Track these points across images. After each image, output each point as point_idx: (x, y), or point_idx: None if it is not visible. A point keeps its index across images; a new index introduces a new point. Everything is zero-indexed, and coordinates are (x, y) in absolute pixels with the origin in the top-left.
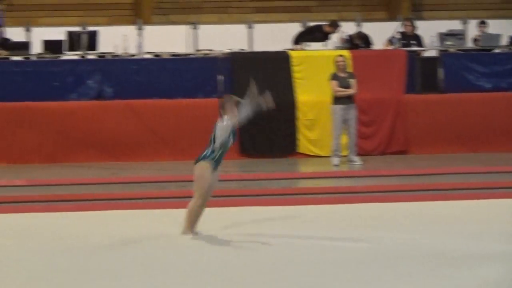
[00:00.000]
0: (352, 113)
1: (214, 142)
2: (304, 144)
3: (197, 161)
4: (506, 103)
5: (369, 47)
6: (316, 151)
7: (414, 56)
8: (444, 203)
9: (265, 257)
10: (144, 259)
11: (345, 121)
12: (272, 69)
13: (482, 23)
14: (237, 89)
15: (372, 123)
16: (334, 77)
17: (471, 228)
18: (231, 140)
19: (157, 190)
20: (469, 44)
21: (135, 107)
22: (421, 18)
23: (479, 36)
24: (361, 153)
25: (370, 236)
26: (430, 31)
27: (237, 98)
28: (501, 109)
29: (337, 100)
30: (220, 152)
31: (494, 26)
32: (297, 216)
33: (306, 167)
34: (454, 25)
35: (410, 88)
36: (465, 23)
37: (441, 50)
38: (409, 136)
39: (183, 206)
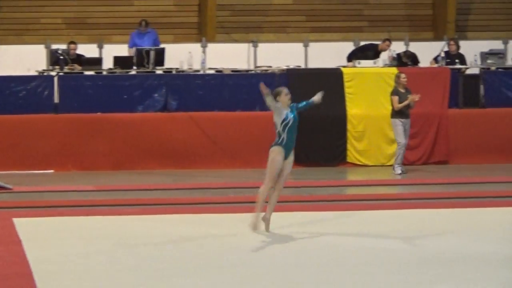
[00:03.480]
0: (408, 126)
1: (277, 128)
2: (353, 154)
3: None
4: None
5: (416, 65)
6: (363, 160)
7: (457, 74)
8: (483, 209)
9: (311, 258)
10: (202, 259)
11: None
12: (326, 85)
13: None
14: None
15: (417, 135)
16: (396, 92)
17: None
18: (291, 121)
19: (216, 196)
20: (510, 63)
21: (197, 119)
22: (464, 38)
23: None
24: (405, 163)
25: (413, 240)
26: (473, 50)
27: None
28: None
29: (398, 114)
30: (286, 135)
31: None
32: (345, 220)
33: (354, 176)
34: (495, 45)
35: (453, 103)
36: (505, 43)
37: (482, 68)
38: (450, 148)
39: (241, 211)
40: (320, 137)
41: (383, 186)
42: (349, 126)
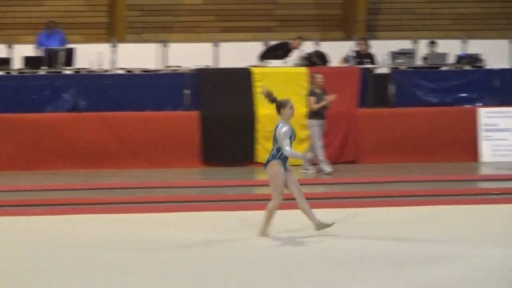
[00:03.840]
0: (324, 127)
1: (277, 143)
2: (262, 154)
3: (266, 164)
4: (451, 116)
5: (325, 64)
6: None
7: (367, 73)
8: (389, 209)
9: (223, 258)
10: (110, 259)
11: None
12: (235, 84)
13: (432, 42)
14: (202, 102)
15: (327, 134)
16: (312, 93)
17: (416, 232)
18: (293, 137)
19: (125, 196)
20: (419, 62)
21: (107, 119)
22: (374, 38)
23: (428, 54)
24: (315, 162)
25: (322, 240)
26: (382, 50)
27: (291, 104)
28: (447, 122)
29: (315, 114)
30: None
31: (442, 45)
32: (252, 220)
33: (263, 175)
34: (405, 44)
35: (363, 102)
36: (415, 42)
37: (392, 68)
38: (360, 147)
39: (149, 211)
40: (229, 137)
41: None
42: (258, 126)
